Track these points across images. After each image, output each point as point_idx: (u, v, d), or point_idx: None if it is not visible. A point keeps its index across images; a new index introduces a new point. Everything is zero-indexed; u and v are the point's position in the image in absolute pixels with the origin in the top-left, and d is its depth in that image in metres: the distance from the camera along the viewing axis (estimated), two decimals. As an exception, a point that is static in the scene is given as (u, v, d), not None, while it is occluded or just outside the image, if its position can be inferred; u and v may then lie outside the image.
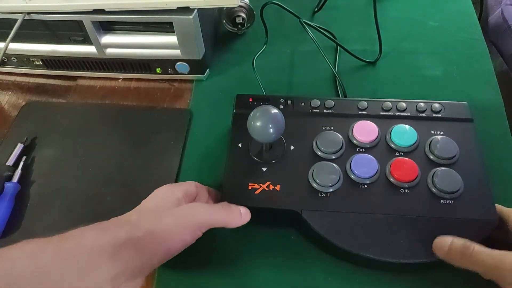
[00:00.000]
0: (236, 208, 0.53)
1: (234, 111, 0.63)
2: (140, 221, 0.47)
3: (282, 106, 0.63)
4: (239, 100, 0.64)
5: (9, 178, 0.63)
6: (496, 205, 0.54)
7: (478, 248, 0.46)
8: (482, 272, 0.46)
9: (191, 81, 0.76)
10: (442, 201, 0.54)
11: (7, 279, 0.38)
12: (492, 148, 0.62)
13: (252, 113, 0.52)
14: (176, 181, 0.63)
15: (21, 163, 0.65)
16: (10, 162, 0.64)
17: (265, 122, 0.51)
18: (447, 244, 0.48)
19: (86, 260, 0.41)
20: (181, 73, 0.74)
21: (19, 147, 0.66)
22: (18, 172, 0.64)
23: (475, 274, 0.50)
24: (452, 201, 0.54)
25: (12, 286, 0.37)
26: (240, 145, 0.60)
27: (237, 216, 0.52)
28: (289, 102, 0.63)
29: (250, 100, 0.64)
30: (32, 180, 0.64)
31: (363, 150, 0.59)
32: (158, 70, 0.74)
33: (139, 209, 0.50)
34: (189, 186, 0.54)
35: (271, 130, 0.51)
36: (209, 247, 0.58)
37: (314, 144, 0.59)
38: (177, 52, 0.70)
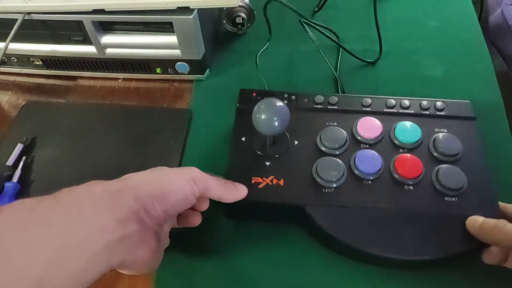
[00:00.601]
0: (232, 183, 0.53)
1: (237, 105, 0.63)
2: (128, 177, 0.46)
3: (286, 102, 0.62)
4: (242, 94, 0.64)
5: (9, 178, 0.62)
6: (499, 202, 0.54)
7: (510, 224, 0.47)
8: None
9: (191, 81, 0.76)
10: (446, 197, 0.54)
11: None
12: (492, 148, 0.62)
13: (257, 106, 0.52)
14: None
15: (21, 163, 0.64)
16: (10, 162, 0.64)
17: (270, 115, 0.51)
18: (480, 220, 0.50)
19: (85, 205, 0.40)
20: (181, 73, 0.74)
21: (19, 147, 0.66)
22: (18, 172, 0.63)
23: (477, 272, 0.52)
24: (456, 198, 0.54)
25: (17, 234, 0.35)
26: (243, 139, 0.59)
27: (231, 188, 0.52)
28: (293, 97, 0.63)
29: (254, 94, 0.63)
30: (32, 180, 0.64)
31: (367, 146, 0.58)
32: (158, 70, 0.74)
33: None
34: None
35: (276, 123, 0.51)
36: (209, 245, 0.57)
37: (318, 139, 0.59)
38: (177, 52, 0.70)
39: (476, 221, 0.50)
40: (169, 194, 0.45)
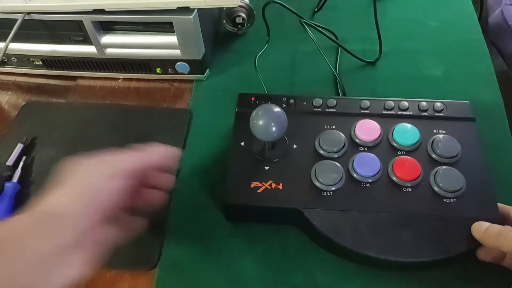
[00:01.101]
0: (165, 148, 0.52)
1: (236, 109, 0.63)
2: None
3: (284, 105, 0.63)
4: (241, 99, 0.64)
5: (9, 178, 0.63)
6: (498, 203, 0.54)
7: None
8: None
9: (191, 81, 0.76)
10: (444, 199, 0.54)
11: None
12: (492, 148, 0.62)
13: (254, 112, 0.52)
14: (176, 180, 0.63)
15: (21, 163, 0.64)
16: (10, 162, 0.64)
17: (267, 121, 0.51)
18: (485, 226, 0.50)
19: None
20: (181, 73, 0.74)
21: (19, 147, 0.66)
22: (18, 172, 0.63)
23: (475, 273, 0.52)
24: (455, 199, 0.54)
25: None
26: (242, 143, 0.59)
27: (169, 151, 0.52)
28: (291, 101, 0.63)
29: (253, 99, 0.64)
30: (32, 180, 0.64)
31: (365, 149, 0.59)
32: (158, 70, 0.74)
33: None
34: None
35: (274, 129, 0.51)
36: (208, 246, 0.58)
37: (316, 143, 0.59)
38: (177, 52, 0.70)
39: (481, 227, 0.50)
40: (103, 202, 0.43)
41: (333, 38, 0.78)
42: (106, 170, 0.45)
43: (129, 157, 0.48)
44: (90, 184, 0.44)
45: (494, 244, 0.49)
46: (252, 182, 0.56)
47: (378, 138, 0.59)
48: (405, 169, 0.56)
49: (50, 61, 0.74)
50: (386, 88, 0.73)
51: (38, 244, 0.38)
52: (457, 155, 0.57)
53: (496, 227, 0.49)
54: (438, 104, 0.62)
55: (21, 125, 0.70)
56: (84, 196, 0.42)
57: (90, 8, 0.64)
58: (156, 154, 0.51)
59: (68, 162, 0.46)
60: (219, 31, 0.82)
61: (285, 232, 0.58)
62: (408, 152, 0.58)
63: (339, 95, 0.71)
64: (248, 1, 0.76)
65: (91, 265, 0.41)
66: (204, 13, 0.67)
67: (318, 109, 0.62)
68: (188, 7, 0.63)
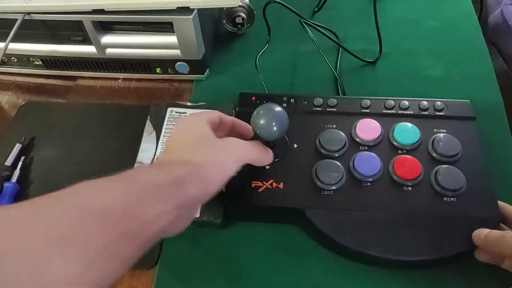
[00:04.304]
0: (266, 147, 0.55)
1: (237, 109, 0.63)
2: (193, 156, 0.46)
3: (285, 105, 0.63)
4: (242, 98, 0.64)
5: (8, 178, 0.63)
6: (499, 202, 0.54)
7: None
8: None
9: (191, 81, 0.76)
10: (445, 198, 0.54)
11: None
12: (492, 148, 0.62)
13: (256, 111, 0.52)
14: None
15: (20, 163, 0.64)
16: (8, 162, 0.64)
17: (268, 120, 0.51)
18: (485, 232, 0.50)
19: (150, 191, 0.40)
20: (181, 73, 0.74)
21: (17, 147, 0.66)
22: (17, 172, 0.63)
23: (475, 272, 0.52)
24: (455, 198, 0.54)
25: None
26: (243, 143, 0.59)
27: (268, 154, 0.54)
28: (292, 100, 0.63)
29: (253, 98, 0.64)
30: (31, 180, 0.64)
31: (366, 148, 0.59)
32: (158, 70, 0.74)
33: (177, 143, 0.49)
34: (211, 115, 0.52)
35: (275, 128, 0.51)
36: (208, 245, 0.57)
37: (317, 142, 0.59)
38: (177, 52, 0.70)
39: (481, 234, 0.50)
40: (223, 181, 0.47)
41: (333, 38, 0.78)
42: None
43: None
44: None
45: (495, 249, 0.49)
46: (253, 182, 0.56)
47: (378, 137, 0.59)
48: (406, 168, 0.56)
49: (50, 61, 0.74)
50: (386, 88, 0.73)
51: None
52: (457, 154, 0.57)
53: (496, 232, 0.49)
54: (439, 103, 0.62)
55: (20, 125, 0.70)
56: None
57: (90, 8, 0.64)
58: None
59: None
60: (219, 31, 0.82)
61: (285, 231, 0.58)
62: (408, 151, 0.58)
63: (339, 95, 0.71)
64: (248, 1, 0.76)
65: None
66: (204, 13, 0.67)
67: (318, 109, 0.62)
68: (188, 7, 0.63)
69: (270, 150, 0.55)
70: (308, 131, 0.60)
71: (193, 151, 0.47)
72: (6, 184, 0.61)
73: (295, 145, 0.59)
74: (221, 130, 0.54)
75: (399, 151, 0.58)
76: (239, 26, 0.79)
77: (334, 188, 0.55)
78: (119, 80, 0.77)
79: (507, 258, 0.49)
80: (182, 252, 0.57)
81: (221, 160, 0.47)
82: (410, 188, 0.55)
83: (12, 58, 0.74)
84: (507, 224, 0.53)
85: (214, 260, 0.56)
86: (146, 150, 0.63)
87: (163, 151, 0.50)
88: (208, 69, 0.75)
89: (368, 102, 0.62)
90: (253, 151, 0.52)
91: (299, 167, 0.57)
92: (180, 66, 0.72)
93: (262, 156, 0.53)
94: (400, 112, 0.62)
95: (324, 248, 0.56)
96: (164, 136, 0.64)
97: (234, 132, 0.55)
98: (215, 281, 0.55)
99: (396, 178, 0.56)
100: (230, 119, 0.55)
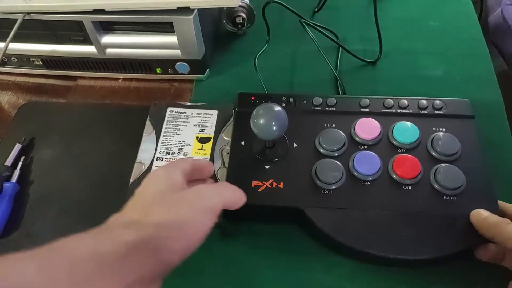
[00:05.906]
0: (235, 186, 0.49)
1: (236, 109, 0.63)
2: (146, 216, 0.40)
3: (284, 104, 0.63)
4: (241, 98, 0.64)
5: (8, 178, 0.62)
6: (498, 201, 0.54)
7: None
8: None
9: (191, 81, 0.76)
10: (444, 197, 0.54)
11: None
12: (492, 148, 0.62)
13: (255, 111, 0.52)
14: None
15: (20, 163, 0.64)
16: (8, 162, 0.64)
17: (268, 120, 0.51)
18: (485, 215, 0.50)
19: (81, 273, 0.33)
20: (181, 73, 0.74)
21: (17, 147, 0.66)
22: (16, 172, 0.63)
23: (475, 271, 0.52)
24: (455, 197, 0.54)
25: None
26: (242, 143, 0.60)
27: (240, 192, 0.49)
28: (291, 100, 0.63)
29: (253, 98, 0.64)
30: (31, 180, 0.64)
31: (366, 147, 0.59)
32: (158, 70, 0.74)
33: (136, 201, 0.44)
34: (184, 164, 0.48)
35: (274, 128, 0.51)
36: (208, 246, 0.57)
37: (316, 141, 0.59)
38: (177, 52, 0.70)
39: (480, 214, 0.51)
40: (194, 240, 0.41)
41: (334, 38, 0.78)
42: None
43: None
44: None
45: (489, 233, 0.49)
46: (252, 181, 0.56)
47: (378, 136, 0.59)
48: (405, 167, 0.56)
49: (50, 61, 0.74)
50: (387, 88, 0.73)
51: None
52: (457, 152, 0.57)
53: (495, 217, 0.49)
54: (438, 102, 0.62)
55: (19, 125, 0.70)
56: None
57: (90, 8, 0.64)
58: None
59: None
60: (219, 31, 0.82)
61: (286, 231, 0.58)
62: (408, 150, 0.58)
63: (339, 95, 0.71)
64: (248, 1, 0.76)
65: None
66: (204, 13, 0.67)
67: (318, 108, 0.62)
68: (188, 7, 0.63)
69: (240, 190, 0.49)
70: (308, 130, 0.60)
71: (149, 207, 0.41)
72: (6, 184, 0.61)
73: (295, 145, 0.59)
74: (194, 176, 0.50)
75: (399, 150, 0.58)
76: (239, 26, 0.79)
77: (334, 187, 0.55)
78: (119, 80, 0.77)
79: (508, 255, 0.50)
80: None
81: (185, 216, 0.41)
82: (409, 187, 0.55)
83: (12, 58, 0.74)
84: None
85: (215, 261, 0.56)
86: (146, 150, 0.63)
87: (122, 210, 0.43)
88: (208, 69, 0.75)
89: (367, 101, 0.62)
90: (225, 197, 0.47)
91: (299, 167, 0.57)
92: (180, 66, 0.72)
93: (236, 199, 0.48)
94: (399, 111, 0.62)
95: (324, 248, 0.56)
96: (164, 136, 0.64)
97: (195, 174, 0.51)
98: (216, 281, 0.55)
99: (395, 177, 0.56)
100: (196, 161, 0.52)
